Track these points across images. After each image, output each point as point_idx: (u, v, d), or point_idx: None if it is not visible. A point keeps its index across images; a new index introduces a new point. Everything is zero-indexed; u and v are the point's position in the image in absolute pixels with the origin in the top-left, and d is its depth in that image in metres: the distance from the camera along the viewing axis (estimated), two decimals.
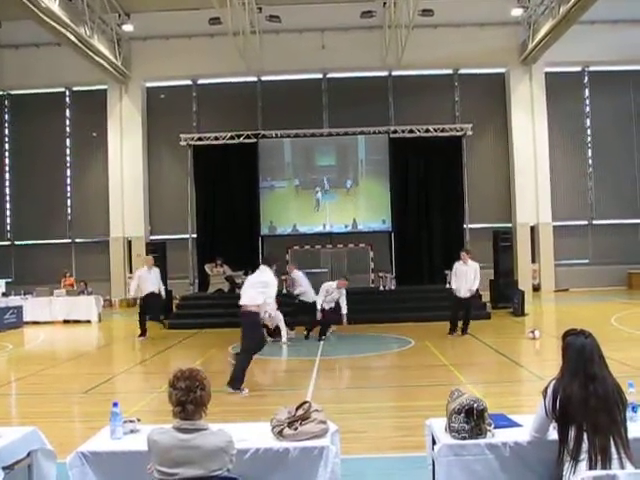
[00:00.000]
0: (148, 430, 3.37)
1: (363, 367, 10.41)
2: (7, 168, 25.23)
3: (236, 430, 3.57)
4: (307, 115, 23.17)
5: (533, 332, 12.11)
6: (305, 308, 13.21)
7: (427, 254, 21.16)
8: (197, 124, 24.24)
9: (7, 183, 25.17)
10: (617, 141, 24.02)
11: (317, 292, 13.04)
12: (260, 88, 24.23)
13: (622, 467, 3.12)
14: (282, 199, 20.82)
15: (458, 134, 20.96)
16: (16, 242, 24.98)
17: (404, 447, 5.58)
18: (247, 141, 20.92)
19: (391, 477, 5.04)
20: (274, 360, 11.01)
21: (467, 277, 12.62)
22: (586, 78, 24.41)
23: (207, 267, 19.60)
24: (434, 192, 21.26)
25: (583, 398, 3.25)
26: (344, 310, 12.73)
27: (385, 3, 20.99)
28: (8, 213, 25.18)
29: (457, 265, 12.90)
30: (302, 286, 13.69)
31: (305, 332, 12.98)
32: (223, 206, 21.51)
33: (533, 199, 23.32)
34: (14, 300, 17.81)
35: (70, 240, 24.80)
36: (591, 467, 3.14)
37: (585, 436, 3.21)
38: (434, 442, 3.79)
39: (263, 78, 24.07)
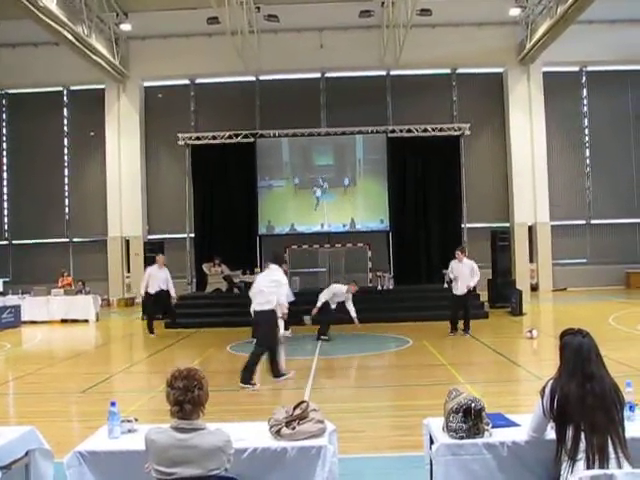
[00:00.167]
0: (146, 429, 3.37)
1: (361, 366, 10.42)
2: (5, 167, 25.21)
3: (234, 429, 3.57)
4: (305, 114, 23.16)
5: (531, 331, 12.12)
6: None
7: (425, 254, 21.19)
8: (195, 123, 24.22)
9: (5, 182, 25.15)
10: (615, 141, 24.04)
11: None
12: (258, 87, 24.21)
13: (619, 466, 3.12)
14: (280, 198, 20.83)
15: (456, 134, 21.00)
16: (14, 241, 24.95)
17: (402, 446, 5.58)
18: (245, 140, 20.94)
19: (389, 476, 5.04)
20: None
21: (463, 275, 12.76)
22: (584, 78, 24.42)
23: (205, 266, 19.60)
24: (432, 192, 21.29)
25: (581, 397, 3.25)
26: (354, 314, 12.77)
27: (383, 3, 20.96)
28: (6, 212, 25.15)
29: (453, 264, 13.10)
30: None
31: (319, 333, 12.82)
32: (221, 205, 21.51)
33: (531, 199, 23.33)
34: (12, 299, 17.80)
35: (68, 239, 24.78)
36: (589, 466, 3.15)
37: (583, 435, 3.21)
38: (432, 441, 3.79)
39: (261, 77, 24.05)
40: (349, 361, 10.94)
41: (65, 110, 25.00)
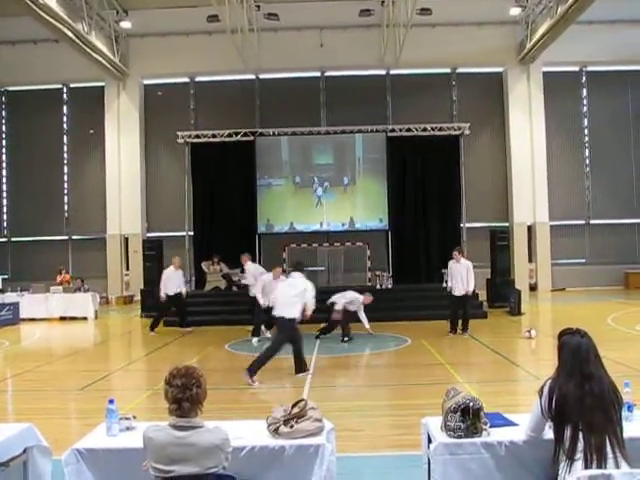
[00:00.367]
0: (144, 427, 3.37)
1: (359, 365, 10.43)
2: (4, 164, 25.21)
3: (232, 428, 3.57)
4: (305, 113, 23.17)
5: (529, 331, 12.14)
6: (253, 301, 13.47)
7: (424, 253, 21.19)
8: (195, 122, 24.21)
9: (4, 180, 25.16)
10: (614, 141, 24.04)
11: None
12: (258, 86, 24.20)
13: (617, 466, 3.12)
14: (279, 197, 20.84)
15: (455, 133, 21.01)
16: (13, 239, 24.94)
17: (400, 445, 5.59)
18: (245, 139, 20.95)
19: (387, 475, 5.04)
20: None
21: (461, 275, 12.80)
22: (584, 78, 24.43)
23: (204, 265, 19.60)
24: (431, 191, 21.28)
25: (579, 397, 3.25)
26: (367, 324, 12.67)
27: (383, 2, 20.97)
28: (5, 210, 25.15)
29: (451, 264, 13.14)
30: (248, 279, 13.89)
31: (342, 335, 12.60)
32: (220, 204, 21.51)
33: (530, 198, 23.34)
34: (10, 297, 17.78)
35: (67, 237, 24.77)
36: (587, 466, 3.15)
37: (581, 435, 3.21)
38: (430, 441, 3.79)
39: (261, 76, 24.05)
40: (348, 360, 10.93)
41: (65, 108, 24.98)
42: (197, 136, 21.30)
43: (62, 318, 17.82)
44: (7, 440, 3.80)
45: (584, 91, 24.46)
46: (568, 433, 3.25)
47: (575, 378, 3.30)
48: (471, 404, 3.61)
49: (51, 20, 17.75)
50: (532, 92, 23.43)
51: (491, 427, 3.70)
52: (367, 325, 12.73)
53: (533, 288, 23.07)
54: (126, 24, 22.32)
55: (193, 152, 21.80)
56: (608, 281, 23.35)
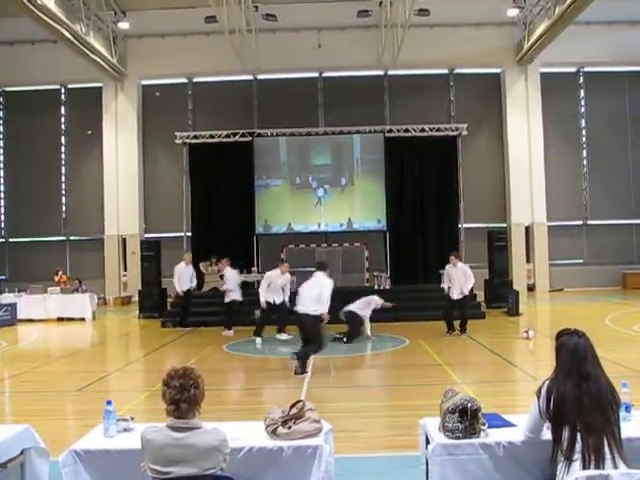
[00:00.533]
0: (141, 428, 3.37)
1: (357, 366, 10.42)
2: (1, 165, 25.16)
3: (230, 429, 3.57)
4: (303, 114, 23.17)
5: (527, 332, 12.15)
6: (230, 306, 13.82)
7: (422, 253, 21.16)
8: (193, 122, 24.20)
9: (1, 180, 25.12)
10: (612, 142, 24.07)
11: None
12: (256, 87, 24.21)
13: (615, 467, 3.13)
14: (277, 198, 20.82)
15: (453, 134, 21.00)
16: (10, 239, 24.90)
17: (398, 446, 5.59)
18: (242, 139, 20.92)
19: (385, 476, 5.04)
20: (269, 358, 11.04)
21: (458, 279, 12.89)
22: (581, 79, 24.45)
23: (202, 265, 19.56)
24: (429, 192, 21.26)
25: (577, 398, 3.25)
26: (368, 330, 12.76)
27: (381, 2, 20.98)
28: (2, 210, 25.12)
29: (448, 268, 13.24)
30: (228, 284, 14.02)
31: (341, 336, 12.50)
32: (218, 204, 21.46)
33: (528, 199, 23.36)
34: (8, 297, 17.76)
35: (65, 238, 24.74)
36: (584, 467, 3.15)
37: (579, 436, 3.21)
38: (428, 441, 3.79)
39: (259, 77, 24.04)
40: (345, 361, 10.91)
41: (62, 108, 24.95)
42: (195, 137, 21.29)
43: (60, 319, 17.78)
44: (4, 441, 3.80)
45: (582, 92, 24.48)
46: (566, 434, 3.25)
47: (573, 378, 3.30)
48: (469, 405, 3.61)
49: (49, 21, 17.74)
50: (530, 93, 23.46)
51: (489, 428, 3.70)
52: (369, 331, 12.76)
53: (531, 289, 23.09)
54: (124, 25, 22.32)
55: (191, 153, 21.78)
56: (606, 282, 23.38)
